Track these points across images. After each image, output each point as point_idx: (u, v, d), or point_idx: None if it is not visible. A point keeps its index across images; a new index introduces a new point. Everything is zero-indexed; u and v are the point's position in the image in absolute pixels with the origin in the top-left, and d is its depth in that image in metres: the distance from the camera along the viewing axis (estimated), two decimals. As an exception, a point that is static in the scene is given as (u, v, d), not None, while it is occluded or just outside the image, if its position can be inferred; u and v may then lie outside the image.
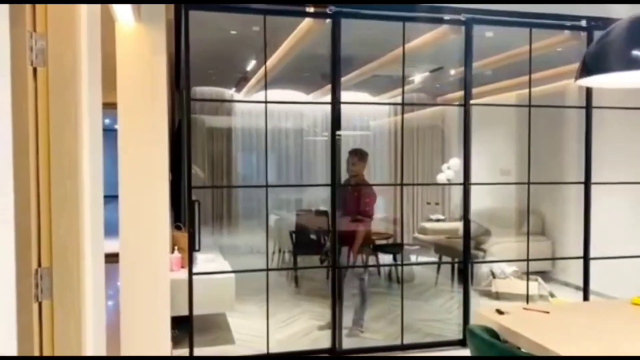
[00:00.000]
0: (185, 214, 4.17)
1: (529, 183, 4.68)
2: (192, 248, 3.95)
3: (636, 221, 4.85)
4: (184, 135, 4.28)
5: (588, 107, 4.65)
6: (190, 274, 3.99)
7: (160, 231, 3.72)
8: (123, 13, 3.36)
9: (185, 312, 4.12)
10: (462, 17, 4.31)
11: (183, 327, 4.12)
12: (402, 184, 4.86)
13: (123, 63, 3.62)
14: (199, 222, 4.07)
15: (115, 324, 3.62)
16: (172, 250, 4.61)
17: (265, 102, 4.34)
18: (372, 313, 5.52)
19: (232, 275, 4.58)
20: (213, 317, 5.03)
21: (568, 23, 4.56)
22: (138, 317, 3.65)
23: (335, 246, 4.39)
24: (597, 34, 4.37)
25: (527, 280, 4.96)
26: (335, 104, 4.25)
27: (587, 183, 4.67)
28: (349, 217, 4.72)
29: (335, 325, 4.32)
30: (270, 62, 5.88)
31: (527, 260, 4.84)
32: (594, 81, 2.59)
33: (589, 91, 4.62)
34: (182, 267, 4.65)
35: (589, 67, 2.45)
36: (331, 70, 4.23)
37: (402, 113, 4.89)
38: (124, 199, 3.63)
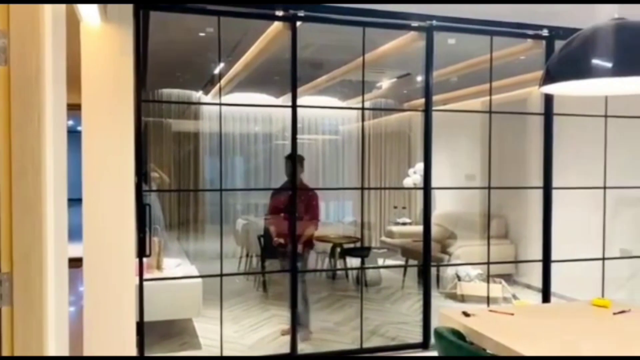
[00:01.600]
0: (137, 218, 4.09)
1: (489, 188, 4.77)
2: (142, 254, 3.88)
3: (595, 225, 5.00)
4: (143, 138, 4.19)
5: (548, 114, 4.78)
6: (141, 280, 3.91)
7: (126, 235, 3.65)
8: (88, 12, 3.29)
9: (151, 317, 4.05)
10: (424, 24, 4.37)
11: (150, 332, 4.05)
12: (364, 188, 4.89)
13: (88, 63, 3.54)
14: (149, 227, 4.00)
15: (78, 331, 3.52)
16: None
17: (220, 104, 4.30)
18: (339, 317, 5.54)
19: (199, 280, 4.53)
20: (179, 322, 4.96)
21: (530, 32, 4.67)
22: (102, 323, 3.57)
23: (295, 250, 4.40)
24: (558, 43, 4.53)
25: (488, 282, 5.06)
26: (294, 107, 4.25)
27: (547, 188, 4.80)
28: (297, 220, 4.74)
29: (294, 330, 4.31)
30: (240, 64, 5.86)
31: (488, 263, 4.91)
32: (557, 89, 2.66)
33: (549, 98, 4.75)
34: (149, 271, 4.58)
35: (552, 75, 2.52)
36: (291, 73, 4.23)
37: (363, 118, 4.93)
38: (88, 202, 3.55)
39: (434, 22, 4.37)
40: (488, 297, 5.01)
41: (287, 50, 4.23)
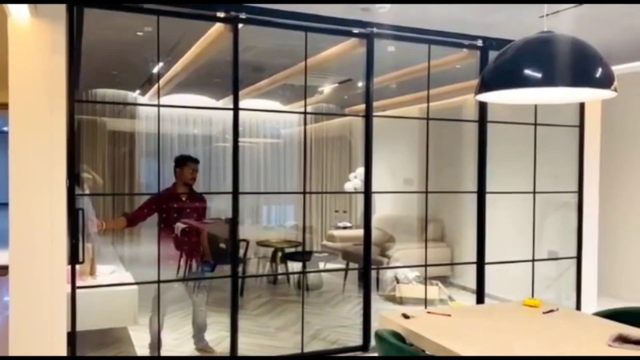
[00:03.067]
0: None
1: (426, 192, 4.90)
2: (75, 260, 3.72)
3: (526, 228, 5.23)
4: (77, 139, 4.02)
5: (482, 121, 4.97)
6: (73, 288, 3.75)
7: (56, 241, 3.48)
8: (17, 8, 3.12)
9: (84, 327, 3.89)
10: (364, 31, 4.45)
11: (83, 343, 3.87)
12: (305, 192, 4.90)
13: (16, 60, 3.36)
14: (82, 232, 3.84)
15: (2, 342, 3.33)
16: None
17: (158, 105, 4.20)
18: (280, 322, 5.52)
19: (135, 287, 4.38)
20: (114, 331, 4.78)
21: (466, 42, 4.85)
22: (30, 334, 3.38)
23: (236, 255, 4.36)
24: (492, 54, 4.72)
25: (425, 284, 5.17)
26: (236, 110, 4.21)
27: (481, 192, 4.99)
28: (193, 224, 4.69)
29: (235, 336, 4.26)
30: (179, 65, 5.73)
31: (425, 265, 5.03)
32: (491, 97, 2.77)
33: (483, 106, 4.94)
34: (81, 278, 4.38)
35: (486, 84, 2.62)
36: (232, 76, 4.18)
37: (305, 123, 4.92)
38: (15, 206, 3.36)
39: (374, 30, 4.45)
40: (425, 299, 5.13)
41: (228, 52, 4.18)
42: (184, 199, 4.60)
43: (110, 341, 4.67)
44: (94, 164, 8.11)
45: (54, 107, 3.45)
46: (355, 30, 4.46)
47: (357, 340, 4.68)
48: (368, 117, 4.55)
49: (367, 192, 4.60)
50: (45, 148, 3.43)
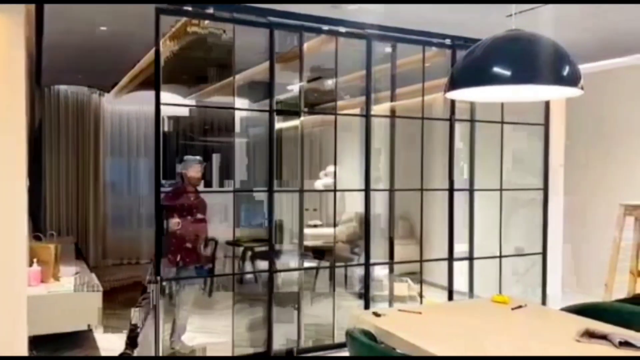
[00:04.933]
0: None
1: (392, 190, 4.91)
2: (160, 254, 3.76)
3: (493, 225, 5.30)
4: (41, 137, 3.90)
5: (451, 120, 5.01)
6: (33, 290, 3.64)
7: (17, 242, 3.34)
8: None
9: (45, 330, 3.76)
10: (334, 29, 4.43)
11: (45, 346, 3.75)
12: (273, 191, 4.86)
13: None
14: (45, 232, 3.73)
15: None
16: (30, 263, 4.18)
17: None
18: (251, 321, 5.45)
19: (99, 289, 4.26)
20: (78, 334, 4.64)
21: (434, 40, 4.87)
22: (-12, 339, 3.25)
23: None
24: (460, 53, 4.76)
25: (391, 282, 5.17)
26: (271, 112, 4.31)
27: (450, 190, 5.03)
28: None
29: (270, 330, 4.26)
30: (145, 61, 5.60)
31: (391, 263, 5.03)
32: (460, 95, 2.78)
33: (452, 104, 4.98)
34: (42, 281, 4.24)
35: (456, 82, 2.62)
36: (269, 79, 4.28)
37: (270, 121, 4.81)
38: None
39: (342, 28, 4.43)
40: (391, 296, 5.12)
41: (194, 47, 4.11)
42: (192, 199, 4.51)
43: (74, 344, 4.54)
44: (57, 163, 7.88)
45: (12, 105, 3.31)
46: (325, 28, 4.43)
47: (328, 339, 4.67)
48: (335, 115, 4.54)
49: (335, 190, 4.60)
50: (2, 146, 3.29)
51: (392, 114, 4.86)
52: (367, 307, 4.63)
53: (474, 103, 4.99)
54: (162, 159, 4.06)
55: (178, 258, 4.45)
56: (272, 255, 4.53)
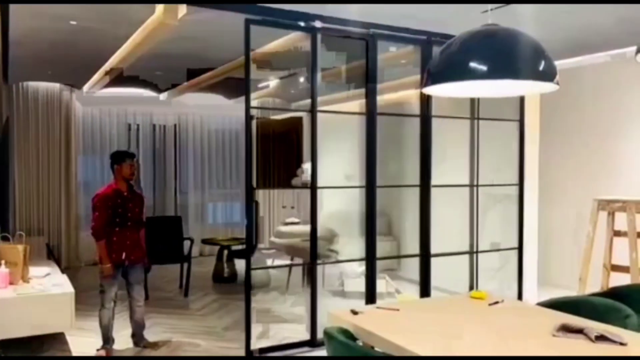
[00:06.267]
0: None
1: (367, 187, 4.87)
2: (250, 245, 3.89)
3: (468, 220, 5.34)
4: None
5: (426, 116, 5.01)
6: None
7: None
8: None
9: (14, 334, 3.65)
10: (308, 25, 4.38)
11: (14, 348, 3.65)
12: (253, 188, 4.78)
13: None
14: (12, 233, 3.62)
15: None
16: (-2, 265, 4.06)
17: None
18: (228, 321, 5.39)
19: (71, 290, 4.15)
20: (50, 337, 4.52)
21: (409, 36, 4.85)
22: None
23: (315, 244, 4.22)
24: (436, 49, 4.75)
25: (367, 279, 5.07)
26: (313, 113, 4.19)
27: (424, 186, 5.03)
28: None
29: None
30: (117, 57, 5.48)
31: (367, 259, 4.98)
32: (437, 90, 2.76)
33: (426, 101, 4.97)
34: (11, 283, 4.12)
35: (432, 77, 2.60)
36: (311, 80, 4.25)
37: (247, 118, 4.71)
38: None
39: (317, 24, 4.39)
40: (367, 293, 5.06)
41: (169, 43, 4.01)
42: (125, 194, 4.41)
43: (46, 347, 4.42)
44: (27, 161, 7.67)
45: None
46: (301, 24, 4.39)
47: (305, 336, 4.64)
48: (313, 112, 4.49)
49: (314, 187, 4.55)
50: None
51: (368, 112, 4.82)
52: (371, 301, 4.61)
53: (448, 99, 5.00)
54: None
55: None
56: (248, 253, 4.45)
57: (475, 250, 5.33)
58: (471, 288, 5.27)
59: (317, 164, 4.55)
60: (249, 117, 4.26)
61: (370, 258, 4.91)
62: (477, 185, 5.31)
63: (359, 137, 5.00)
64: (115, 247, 4.33)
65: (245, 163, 4.44)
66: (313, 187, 4.55)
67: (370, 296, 4.92)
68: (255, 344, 4.47)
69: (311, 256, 4.62)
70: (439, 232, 5.16)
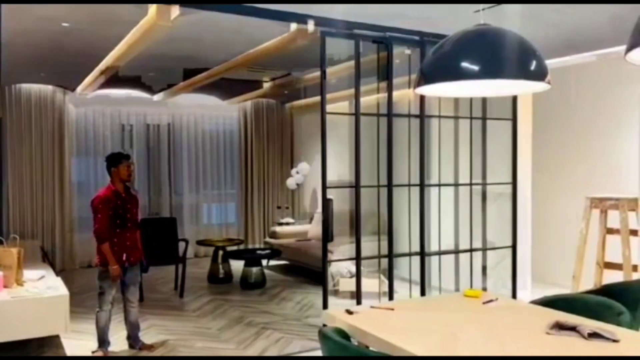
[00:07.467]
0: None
1: (357, 186, 4.87)
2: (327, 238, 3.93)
3: (464, 219, 5.35)
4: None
5: (421, 116, 5.02)
6: None
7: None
8: None
9: (9, 337, 3.64)
10: (304, 26, 4.38)
11: (9, 351, 3.63)
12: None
13: None
14: (6, 236, 3.60)
15: None
16: (-8, 269, 4.04)
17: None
18: (223, 322, 5.39)
19: (66, 293, 4.14)
20: (44, 340, 4.51)
21: (402, 36, 4.86)
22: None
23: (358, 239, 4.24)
24: (429, 49, 4.76)
25: (358, 278, 5.07)
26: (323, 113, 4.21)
27: (421, 185, 5.05)
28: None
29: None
30: (110, 58, 5.46)
31: (357, 258, 4.97)
32: (430, 90, 2.77)
33: (422, 101, 4.98)
34: (5, 286, 4.10)
35: (426, 77, 2.61)
36: (320, 81, 4.22)
37: (323, 123, 4.69)
38: None
39: (310, 25, 4.39)
40: (358, 292, 5.07)
41: (162, 44, 4.00)
42: (124, 196, 4.41)
43: (40, 350, 4.41)
44: (20, 162, 7.63)
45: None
46: (295, 24, 4.39)
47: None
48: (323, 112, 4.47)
49: (390, 185, 4.53)
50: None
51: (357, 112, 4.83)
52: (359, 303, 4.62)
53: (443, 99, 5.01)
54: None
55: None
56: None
57: (469, 248, 5.34)
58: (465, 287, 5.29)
59: (393, 164, 4.68)
60: (324, 123, 4.53)
61: (356, 257, 4.91)
62: (472, 184, 5.33)
63: (361, 136, 5.00)
64: (117, 248, 4.32)
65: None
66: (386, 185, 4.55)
67: (357, 295, 4.91)
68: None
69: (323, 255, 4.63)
70: (434, 231, 5.18)
